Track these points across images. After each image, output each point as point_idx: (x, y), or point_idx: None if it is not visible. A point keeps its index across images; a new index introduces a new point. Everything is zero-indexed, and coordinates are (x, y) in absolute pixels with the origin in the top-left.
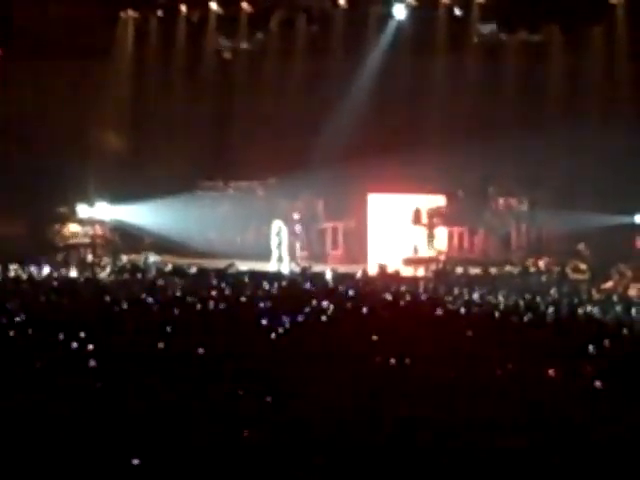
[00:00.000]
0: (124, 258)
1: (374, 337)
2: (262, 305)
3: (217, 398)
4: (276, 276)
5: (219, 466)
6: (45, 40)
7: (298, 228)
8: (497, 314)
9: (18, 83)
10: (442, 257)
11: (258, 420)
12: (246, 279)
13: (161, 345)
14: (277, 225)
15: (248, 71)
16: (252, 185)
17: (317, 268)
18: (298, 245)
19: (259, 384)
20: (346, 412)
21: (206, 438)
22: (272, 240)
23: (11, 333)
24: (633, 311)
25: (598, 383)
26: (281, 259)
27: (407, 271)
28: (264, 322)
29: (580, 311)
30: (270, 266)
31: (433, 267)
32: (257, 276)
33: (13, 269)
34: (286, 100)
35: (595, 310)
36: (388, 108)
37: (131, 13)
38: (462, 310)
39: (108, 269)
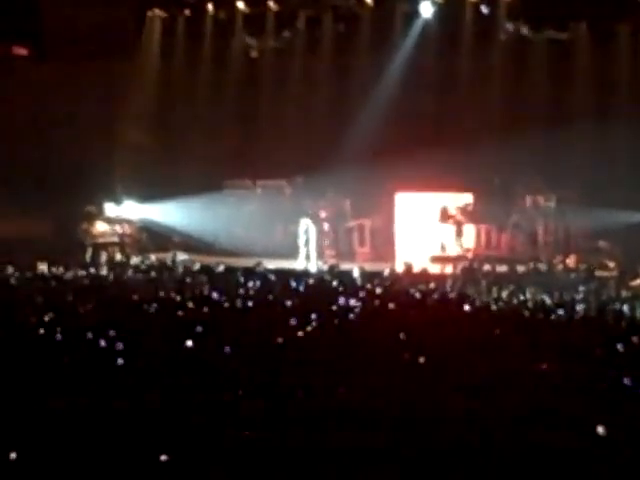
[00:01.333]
0: (152, 257)
1: (402, 335)
2: (289, 303)
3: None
4: (304, 274)
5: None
6: (72, 39)
7: (326, 226)
8: (525, 312)
9: (45, 83)
10: (469, 255)
11: (284, 420)
12: (273, 277)
13: (189, 344)
14: (305, 223)
15: (275, 70)
16: (279, 184)
17: (344, 266)
18: (326, 243)
19: (283, 383)
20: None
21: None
22: (299, 238)
23: (41, 331)
24: None
25: (627, 381)
26: (309, 257)
27: (435, 269)
28: (292, 320)
29: (608, 308)
30: (298, 264)
31: (461, 265)
32: (284, 274)
33: (41, 268)
34: (313, 99)
35: (624, 307)
36: (415, 106)
37: (158, 12)
38: (490, 308)
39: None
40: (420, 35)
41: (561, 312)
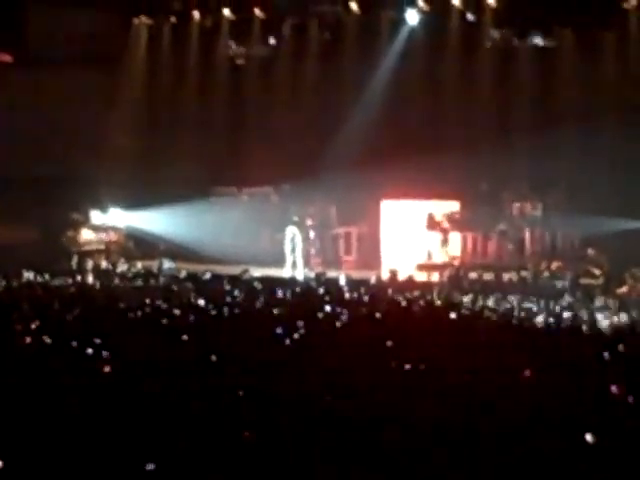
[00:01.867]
0: (138, 264)
1: (388, 343)
2: (276, 311)
3: (225, 403)
4: (290, 282)
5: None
6: (57, 46)
7: (312, 234)
8: (511, 320)
9: (29, 89)
10: (456, 262)
11: (270, 424)
12: (260, 285)
13: (175, 351)
14: (291, 231)
15: (261, 77)
16: (265, 191)
17: (331, 274)
18: (312, 251)
19: (270, 390)
20: (361, 417)
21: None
22: (286, 246)
23: (27, 340)
24: None
25: (614, 389)
26: (295, 265)
27: (421, 276)
28: (278, 329)
29: (594, 316)
30: (284, 272)
31: (447, 273)
32: (271, 282)
33: (27, 275)
34: (299, 106)
35: (609, 315)
36: (401, 113)
37: (144, 19)
38: (476, 315)
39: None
40: (406, 43)
41: (546, 320)
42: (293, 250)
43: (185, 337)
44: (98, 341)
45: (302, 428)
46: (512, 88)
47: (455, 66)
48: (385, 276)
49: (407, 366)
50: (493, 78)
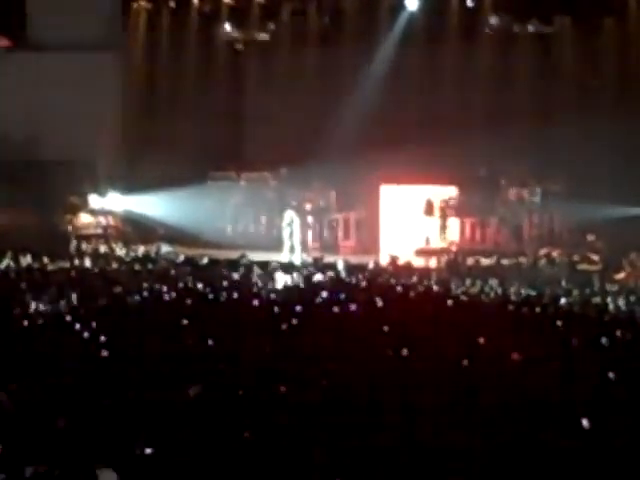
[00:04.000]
0: (136, 249)
1: (385, 328)
2: (274, 296)
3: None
4: (288, 267)
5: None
6: (56, 30)
7: (310, 219)
8: (508, 305)
9: (28, 73)
10: (454, 248)
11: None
12: (258, 270)
13: (173, 336)
14: (289, 216)
15: (260, 62)
16: (264, 176)
17: (329, 259)
18: (310, 236)
19: (270, 376)
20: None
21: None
22: (284, 231)
23: (25, 323)
24: None
25: (611, 374)
26: (293, 250)
27: (419, 262)
28: (276, 311)
29: (592, 302)
30: (282, 257)
31: (445, 258)
32: (269, 267)
33: (25, 259)
34: (298, 91)
35: (607, 301)
36: (400, 99)
37: (143, 4)
38: (474, 301)
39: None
40: (405, 28)
41: (544, 306)
42: (291, 235)
43: (185, 322)
44: (95, 325)
45: (299, 413)
46: (511, 74)
47: (454, 52)
48: (383, 261)
49: (404, 351)
50: (492, 64)
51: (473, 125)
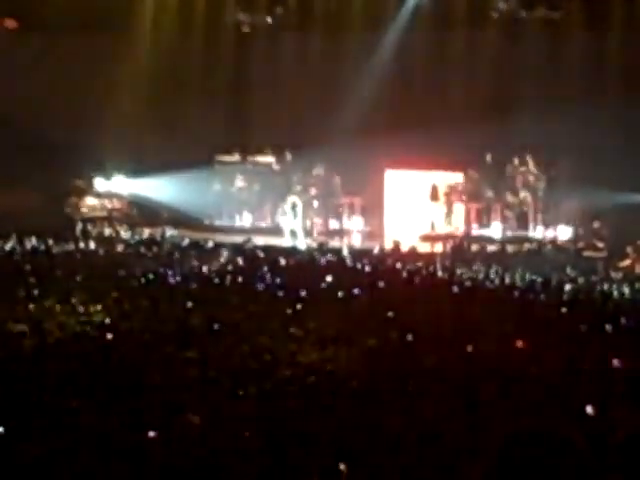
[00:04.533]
0: (141, 232)
1: (390, 314)
2: (278, 280)
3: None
4: (292, 251)
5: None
6: (62, 12)
7: (315, 203)
8: (513, 292)
9: (34, 56)
10: (459, 234)
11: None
12: (262, 254)
13: (178, 318)
14: (292, 200)
15: (267, 45)
16: (268, 160)
17: (333, 244)
18: (315, 220)
19: (272, 361)
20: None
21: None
22: (287, 215)
23: (30, 306)
24: None
25: (616, 362)
26: (295, 234)
27: (424, 247)
28: (280, 295)
29: (596, 289)
30: (286, 241)
31: (450, 244)
32: (273, 251)
33: (30, 242)
34: (303, 75)
35: (612, 288)
36: (406, 84)
37: None
38: (478, 287)
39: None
40: (413, 12)
41: (549, 292)
42: (294, 219)
43: (190, 304)
44: (100, 308)
45: (300, 397)
46: (518, 60)
47: (461, 37)
48: (388, 247)
49: (409, 336)
50: (499, 50)
51: (480, 110)
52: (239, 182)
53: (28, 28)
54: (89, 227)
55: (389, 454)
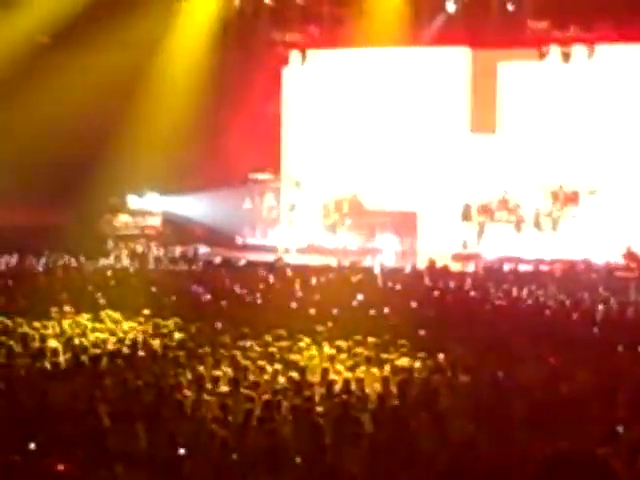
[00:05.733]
0: (174, 249)
1: (421, 332)
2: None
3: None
4: (324, 270)
5: None
6: (93, 31)
7: (347, 221)
8: (545, 311)
9: (66, 71)
10: (491, 253)
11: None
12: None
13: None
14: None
15: (298, 66)
16: (299, 179)
17: (366, 262)
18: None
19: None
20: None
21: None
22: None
23: (63, 322)
24: None
25: None
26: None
27: (456, 266)
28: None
29: (629, 310)
30: (317, 260)
31: (482, 263)
32: (305, 270)
33: (62, 259)
34: (337, 98)
35: None
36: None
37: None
38: (511, 306)
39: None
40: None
41: (581, 312)
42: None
43: (219, 325)
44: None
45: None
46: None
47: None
48: (421, 265)
49: (440, 356)
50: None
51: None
52: (271, 199)
53: (60, 46)
54: (122, 244)
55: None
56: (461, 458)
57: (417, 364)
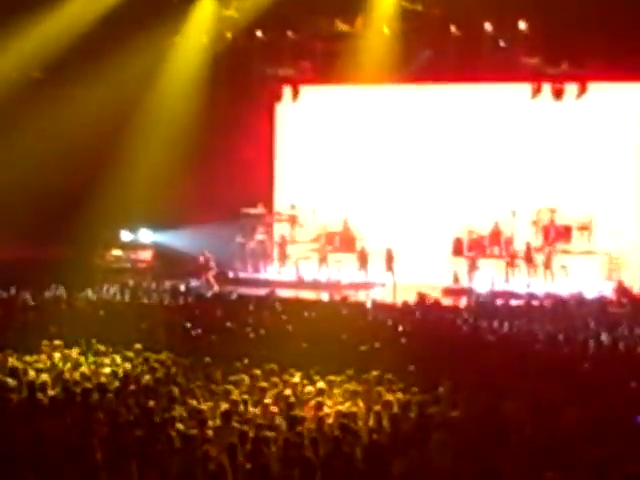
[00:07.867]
0: (166, 283)
1: (411, 367)
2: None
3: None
4: (315, 304)
5: None
6: (86, 66)
7: (337, 256)
8: (536, 346)
9: (59, 109)
10: (484, 287)
11: None
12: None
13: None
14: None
15: (293, 103)
16: (293, 213)
17: (358, 297)
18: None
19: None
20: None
21: None
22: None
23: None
24: None
25: None
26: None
27: (447, 301)
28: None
29: (620, 344)
30: (309, 294)
31: (474, 297)
32: (297, 304)
33: (54, 292)
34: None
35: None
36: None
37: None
38: (502, 341)
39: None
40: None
41: (572, 347)
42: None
43: (208, 359)
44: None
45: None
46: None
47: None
48: (412, 300)
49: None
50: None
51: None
52: (263, 233)
53: (54, 79)
54: (114, 277)
55: None
56: None
57: (409, 398)
